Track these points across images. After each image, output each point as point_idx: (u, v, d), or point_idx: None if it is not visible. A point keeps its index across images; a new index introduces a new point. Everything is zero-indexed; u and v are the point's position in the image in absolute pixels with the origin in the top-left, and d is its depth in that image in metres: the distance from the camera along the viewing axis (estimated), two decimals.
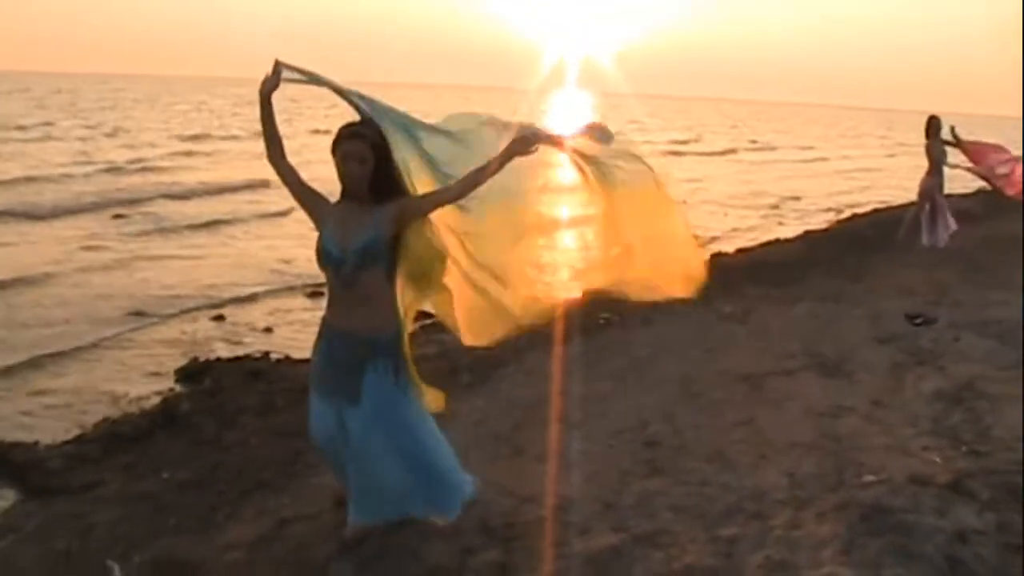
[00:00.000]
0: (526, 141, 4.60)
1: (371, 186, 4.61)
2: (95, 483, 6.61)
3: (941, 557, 4.32)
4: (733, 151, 55.54)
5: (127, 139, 43.88)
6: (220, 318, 12.53)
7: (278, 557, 5.00)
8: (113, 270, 15.52)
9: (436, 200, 4.70)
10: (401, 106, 4.88)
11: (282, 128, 4.80)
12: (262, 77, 4.64)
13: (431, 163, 4.77)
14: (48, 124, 50.48)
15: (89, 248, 17.28)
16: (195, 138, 45.06)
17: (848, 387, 7.50)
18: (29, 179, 26.29)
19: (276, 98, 4.70)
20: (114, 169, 30.24)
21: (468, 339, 5.27)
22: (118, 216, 21.13)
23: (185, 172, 30.95)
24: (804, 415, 6.83)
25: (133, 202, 23.34)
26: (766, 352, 8.73)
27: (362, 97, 4.73)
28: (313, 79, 4.72)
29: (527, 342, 9.79)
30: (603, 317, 10.80)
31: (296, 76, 4.68)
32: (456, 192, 4.66)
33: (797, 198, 31.02)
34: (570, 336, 9.88)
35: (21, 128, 46.94)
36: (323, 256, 4.62)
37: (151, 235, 19.10)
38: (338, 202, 4.73)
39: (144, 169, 31.09)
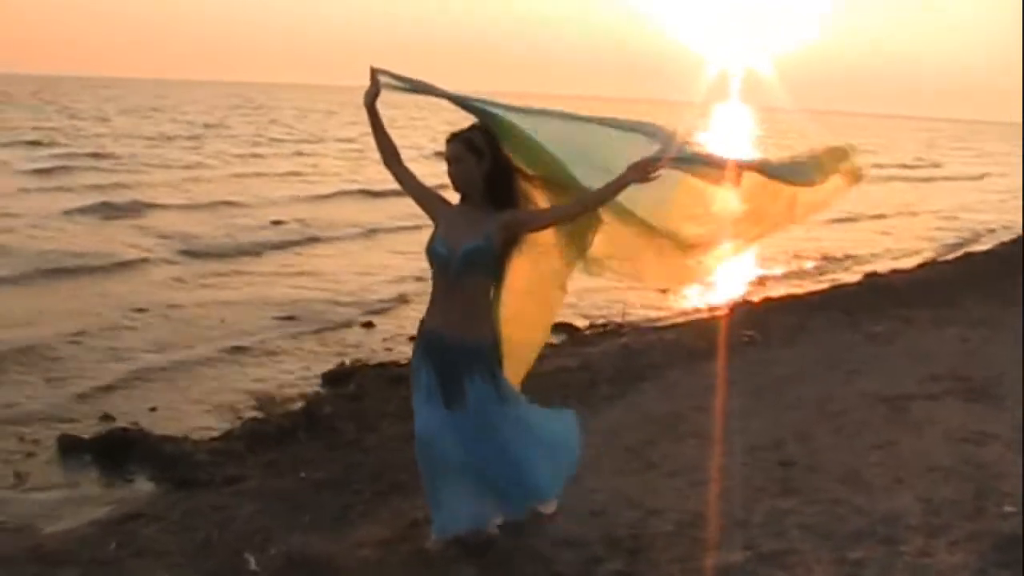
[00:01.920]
0: (643, 168, 4.57)
1: (486, 190, 4.70)
2: (237, 478, 6.88)
3: None
4: (984, 175, 51.95)
5: (358, 157, 40.86)
6: (370, 325, 12.79)
7: (405, 557, 5.09)
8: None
9: (548, 218, 4.80)
10: None
11: None
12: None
13: (553, 161, 4.81)
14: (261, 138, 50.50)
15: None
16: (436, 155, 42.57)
17: (995, 413, 7.27)
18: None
19: None
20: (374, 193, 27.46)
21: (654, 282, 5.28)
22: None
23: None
24: (946, 440, 6.65)
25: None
26: (911, 375, 8.53)
27: (468, 99, 4.82)
28: (411, 85, 4.84)
29: (668, 358, 9.82)
30: (746, 335, 10.71)
31: (395, 83, 4.80)
32: (569, 213, 4.75)
33: None
34: (712, 353, 9.84)
35: (276, 140, 47.21)
36: (431, 254, 4.71)
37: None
38: (458, 204, 4.82)
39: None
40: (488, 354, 4.80)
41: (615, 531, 5.27)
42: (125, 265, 16.15)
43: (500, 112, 4.75)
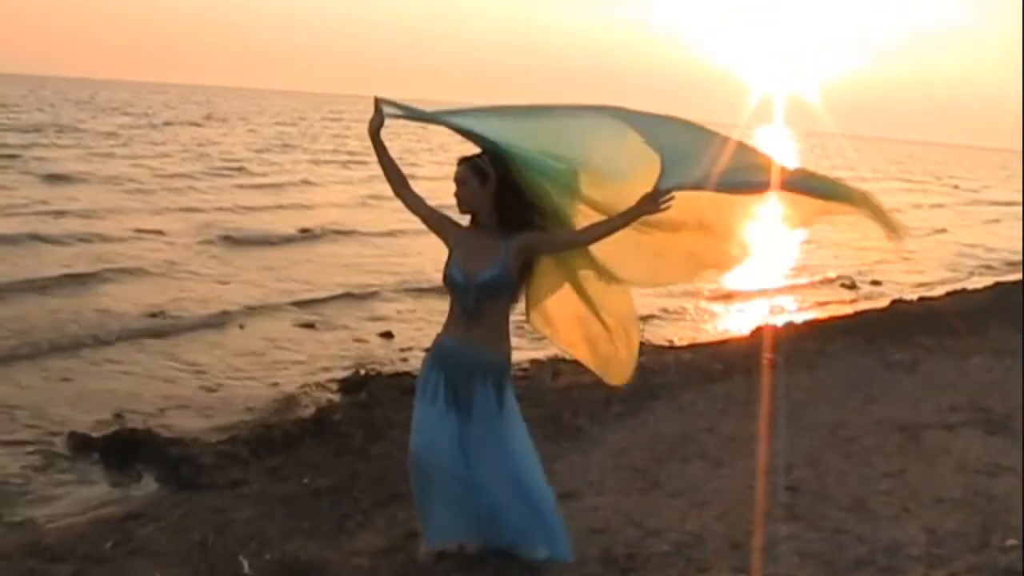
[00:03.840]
0: (655, 199, 4.53)
1: (496, 212, 4.70)
2: (239, 482, 6.90)
3: None
4: None
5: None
6: (388, 335, 12.79)
7: (399, 567, 5.08)
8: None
9: (563, 242, 4.80)
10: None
11: None
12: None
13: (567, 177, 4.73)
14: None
15: None
16: None
17: (1012, 446, 7.12)
18: None
19: None
20: None
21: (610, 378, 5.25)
22: None
23: None
24: (958, 471, 6.54)
25: None
26: (929, 403, 8.40)
27: (469, 116, 4.79)
28: (414, 115, 4.85)
29: (683, 378, 9.74)
30: (767, 357, 10.61)
31: (398, 112, 4.81)
32: (585, 238, 4.72)
33: None
34: (728, 375, 9.77)
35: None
36: (448, 281, 4.74)
37: None
38: (468, 227, 4.83)
39: None
40: (499, 369, 4.81)
41: (612, 549, 5.22)
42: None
43: (492, 134, 4.71)
